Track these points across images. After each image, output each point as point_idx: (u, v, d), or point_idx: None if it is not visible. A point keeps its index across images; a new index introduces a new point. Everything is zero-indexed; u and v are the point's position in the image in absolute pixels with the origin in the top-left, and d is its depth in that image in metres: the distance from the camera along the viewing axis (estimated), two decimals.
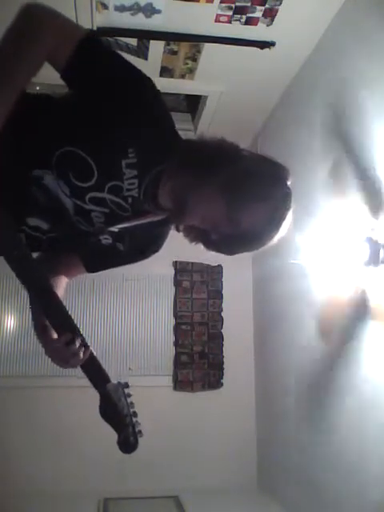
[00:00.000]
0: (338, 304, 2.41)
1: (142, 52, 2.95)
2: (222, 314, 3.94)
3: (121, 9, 2.61)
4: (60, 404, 3.53)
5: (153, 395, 3.62)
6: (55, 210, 1.08)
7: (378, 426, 2.10)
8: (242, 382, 3.82)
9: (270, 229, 1.03)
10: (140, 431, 1.12)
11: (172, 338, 3.87)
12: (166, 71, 3.14)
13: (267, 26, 2.71)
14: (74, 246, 1.22)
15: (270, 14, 2.63)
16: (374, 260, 2.15)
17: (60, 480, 3.38)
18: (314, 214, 2.66)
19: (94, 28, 2.64)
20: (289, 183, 1.05)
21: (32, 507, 3.08)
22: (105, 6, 2.60)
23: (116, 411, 1.09)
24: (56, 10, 1.01)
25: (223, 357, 3.87)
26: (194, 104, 3.78)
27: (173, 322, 3.90)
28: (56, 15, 1.01)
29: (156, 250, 1.28)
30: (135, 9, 2.61)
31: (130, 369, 3.75)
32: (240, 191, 1.00)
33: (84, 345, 1.06)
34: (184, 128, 3.72)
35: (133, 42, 2.87)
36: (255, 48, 2.85)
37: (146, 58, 2.99)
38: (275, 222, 1.02)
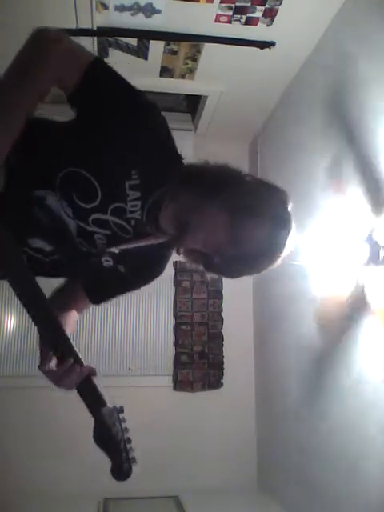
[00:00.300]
0: (338, 303, 2.41)
1: (142, 52, 2.95)
2: (222, 314, 3.94)
3: (121, 9, 2.61)
4: (60, 404, 3.49)
5: (153, 395, 3.63)
6: (58, 231, 1.08)
7: (378, 426, 2.10)
8: (242, 382, 3.81)
9: (272, 250, 1.03)
10: (134, 457, 1.08)
11: (172, 338, 3.87)
12: (166, 71, 3.14)
13: (267, 26, 2.72)
14: (76, 269, 1.22)
15: (270, 14, 2.63)
16: (374, 260, 2.15)
17: (60, 480, 3.38)
18: (314, 214, 2.66)
19: (94, 28, 2.65)
20: (289, 207, 1.05)
21: (32, 507, 3.08)
22: (105, 6, 2.60)
23: (110, 436, 1.07)
24: (64, 33, 1.02)
25: (223, 357, 3.87)
26: (194, 104, 3.78)
27: (173, 322, 3.89)
28: (63, 40, 1.02)
29: (157, 275, 1.28)
30: (135, 9, 2.61)
31: (129, 369, 3.75)
32: (241, 212, 1.00)
33: (79, 366, 1.05)
34: (184, 128, 3.71)
35: (133, 41, 2.87)
36: (255, 48, 2.85)
37: (146, 58, 3.00)
38: (276, 242, 1.03)
